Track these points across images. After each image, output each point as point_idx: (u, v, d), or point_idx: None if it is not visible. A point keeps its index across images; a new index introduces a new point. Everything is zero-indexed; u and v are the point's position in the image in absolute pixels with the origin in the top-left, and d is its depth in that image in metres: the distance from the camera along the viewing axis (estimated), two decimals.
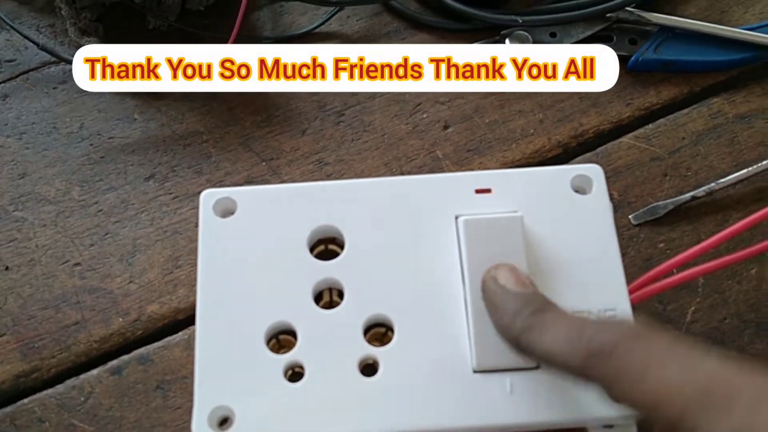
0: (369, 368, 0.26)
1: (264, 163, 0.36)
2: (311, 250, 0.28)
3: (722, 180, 0.35)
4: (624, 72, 0.39)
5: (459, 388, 0.26)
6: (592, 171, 0.29)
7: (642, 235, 0.35)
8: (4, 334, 0.33)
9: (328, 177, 0.36)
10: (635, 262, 0.34)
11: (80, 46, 0.38)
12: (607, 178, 0.30)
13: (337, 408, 0.25)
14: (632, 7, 0.38)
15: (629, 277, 0.28)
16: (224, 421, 0.25)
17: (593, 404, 0.25)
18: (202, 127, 0.37)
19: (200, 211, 0.28)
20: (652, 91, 0.38)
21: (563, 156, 0.37)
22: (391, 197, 0.29)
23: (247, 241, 0.28)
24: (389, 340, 0.27)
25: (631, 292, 0.28)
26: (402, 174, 0.36)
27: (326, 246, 0.29)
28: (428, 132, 0.37)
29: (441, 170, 0.36)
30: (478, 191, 0.29)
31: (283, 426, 0.25)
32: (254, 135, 0.37)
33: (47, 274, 0.34)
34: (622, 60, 0.38)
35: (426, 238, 0.28)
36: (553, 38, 0.38)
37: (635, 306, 0.28)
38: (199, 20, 0.40)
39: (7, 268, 0.34)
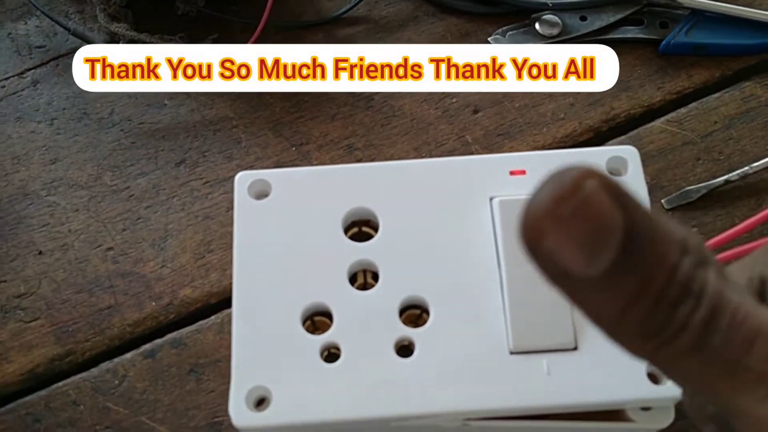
0: (404, 349, 0.26)
1: (294, 148, 0.36)
2: (345, 231, 0.28)
3: (756, 164, 0.35)
4: (655, 56, 0.38)
5: (495, 370, 0.26)
6: (628, 152, 0.28)
7: (675, 219, 0.35)
8: (38, 318, 0.33)
9: (358, 162, 0.36)
10: None
11: (110, 32, 0.38)
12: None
13: (373, 389, 0.25)
14: None
15: None
16: (261, 402, 0.25)
17: (632, 385, 0.25)
18: (231, 113, 0.37)
19: (235, 194, 0.28)
20: (683, 75, 0.38)
21: (594, 140, 0.37)
22: (425, 179, 0.28)
23: (281, 222, 0.28)
24: (424, 322, 0.27)
25: None
26: (432, 158, 0.36)
27: (360, 228, 0.29)
28: (458, 116, 0.37)
29: (471, 154, 0.36)
30: (512, 173, 0.28)
31: (320, 406, 0.25)
32: (284, 120, 0.37)
33: (80, 259, 0.34)
34: (653, 44, 0.38)
35: (460, 220, 0.28)
36: (584, 21, 0.38)
37: None
38: (227, 5, 0.40)
39: (40, 253, 0.34)
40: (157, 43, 0.38)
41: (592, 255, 0.14)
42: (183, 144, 0.37)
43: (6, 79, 0.38)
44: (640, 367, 0.25)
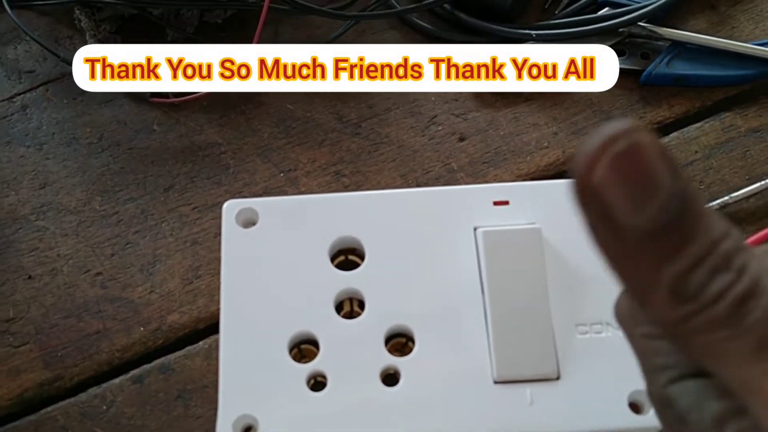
0: (390, 378, 0.27)
1: (282, 174, 0.37)
2: (332, 260, 0.29)
3: (735, 194, 0.36)
4: (637, 86, 0.39)
5: (479, 399, 0.26)
6: None
7: None
8: (27, 343, 0.33)
9: (346, 188, 0.36)
10: None
11: None
12: None
13: (359, 417, 0.26)
14: (644, 22, 0.39)
15: None
16: (248, 430, 0.26)
17: (614, 415, 0.26)
18: (220, 139, 0.38)
19: (223, 222, 0.29)
20: (664, 105, 0.39)
21: None
22: (411, 209, 0.29)
23: (268, 251, 0.28)
24: (410, 350, 0.27)
25: None
26: (418, 185, 0.36)
27: (346, 256, 0.29)
28: (443, 144, 0.38)
29: (456, 182, 0.36)
30: (496, 203, 0.29)
31: None
32: (272, 146, 0.38)
33: (69, 284, 0.34)
34: (635, 74, 0.39)
35: (445, 250, 0.28)
36: None
37: None
38: (216, 33, 0.40)
39: (29, 277, 0.34)
40: None
41: (639, 204, 0.14)
42: (172, 169, 0.37)
43: None
44: (622, 397, 0.26)
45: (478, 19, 0.39)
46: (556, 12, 0.41)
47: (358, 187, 0.36)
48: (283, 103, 0.39)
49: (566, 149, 0.37)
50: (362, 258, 0.29)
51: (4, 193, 0.36)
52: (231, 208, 0.29)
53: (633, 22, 0.39)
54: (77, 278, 0.34)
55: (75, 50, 0.39)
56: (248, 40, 0.37)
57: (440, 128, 0.38)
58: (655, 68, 0.39)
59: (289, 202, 0.30)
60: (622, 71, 0.39)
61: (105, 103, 0.39)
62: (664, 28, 0.39)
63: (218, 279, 0.33)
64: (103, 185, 0.37)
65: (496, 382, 0.26)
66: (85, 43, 0.39)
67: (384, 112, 0.38)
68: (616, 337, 0.27)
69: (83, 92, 0.39)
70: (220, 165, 0.37)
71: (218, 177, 0.37)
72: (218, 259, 0.33)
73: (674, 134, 0.38)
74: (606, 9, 0.40)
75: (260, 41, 0.37)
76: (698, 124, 0.38)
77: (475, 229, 0.28)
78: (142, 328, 0.33)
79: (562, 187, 0.29)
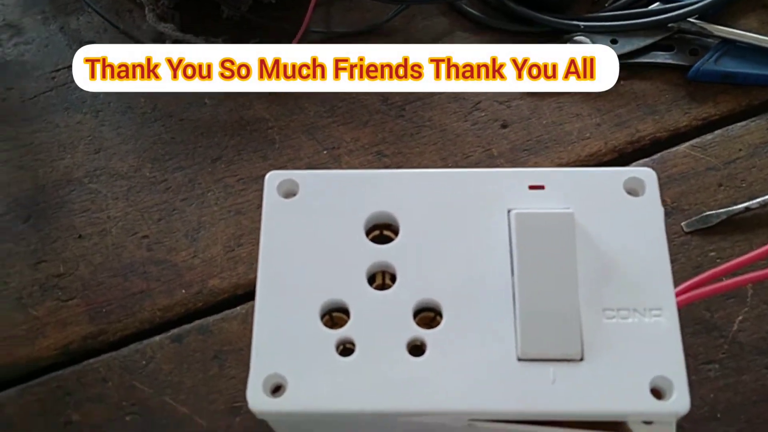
0: (416, 349, 0.27)
1: (325, 152, 0.38)
2: (367, 234, 0.29)
3: None
4: (683, 81, 0.39)
5: (503, 375, 0.27)
6: (645, 174, 0.29)
7: (693, 243, 0.35)
8: (74, 298, 0.35)
9: (386, 168, 0.37)
10: (685, 269, 0.35)
11: (157, 31, 0.40)
12: (662, 185, 0.31)
13: (384, 384, 0.26)
14: (694, 19, 0.39)
15: (678, 284, 0.29)
16: (277, 389, 0.27)
17: (635, 399, 0.26)
18: (268, 115, 0.39)
19: (264, 191, 0.30)
20: (710, 102, 0.39)
21: (619, 161, 0.37)
22: (447, 188, 0.30)
23: (307, 221, 0.29)
24: (437, 324, 0.28)
25: (677, 295, 0.28)
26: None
27: (381, 231, 0.30)
28: (485, 130, 0.38)
29: (495, 167, 0.37)
30: (531, 187, 0.29)
31: (333, 397, 0.26)
32: (317, 124, 0.39)
33: (117, 245, 0.36)
34: (683, 69, 0.39)
35: (478, 230, 0.29)
36: (614, 45, 0.39)
37: (681, 309, 0.28)
38: (269, 12, 0.41)
39: (80, 236, 0.36)
40: (200, 43, 0.39)
41: None
42: (220, 142, 0.38)
43: (57, 70, 0.40)
44: (644, 382, 0.26)
45: (527, 8, 0.40)
46: (606, 5, 0.41)
47: (398, 167, 0.37)
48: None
49: (608, 141, 0.38)
50: (396, 233, 0.29)
51: (61, 156, 0.38)
52: (273, 178, 0.30)
53: (683, 17, 0.39)
54: (125, 240, 0.36)
55: (134, 23, 0.41)
56: (299, 20, 0.38)
57: (483, 114, 0.39)
58: (702, 65, 0.38)
59: (329, 176, 0.30)
60: (669, 66, 0.39)
61: None
62: (714, 25, 0.39)
63: (258, 248, 0.34)
64: (154, 153, 0.38)
65: (519, 360, 0.27)
66: (144, 16, 0.41)
67: (428, 96, 0.39)
68: (641, 324, 0.27)
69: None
70: (266, 140, 0.38)
71: (264, 151, 0.38)
72: (259, 229, 0.34)
73: (719, 131, 0.38)
74: (657, 4, 0.40)
75: (311, 22, 0.38)
76: (743, 123, 0.38)
77: (509, 211, 0.29)
78: (183, 291, 0.35)
79: (597, 175, 0.30)
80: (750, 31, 0.39)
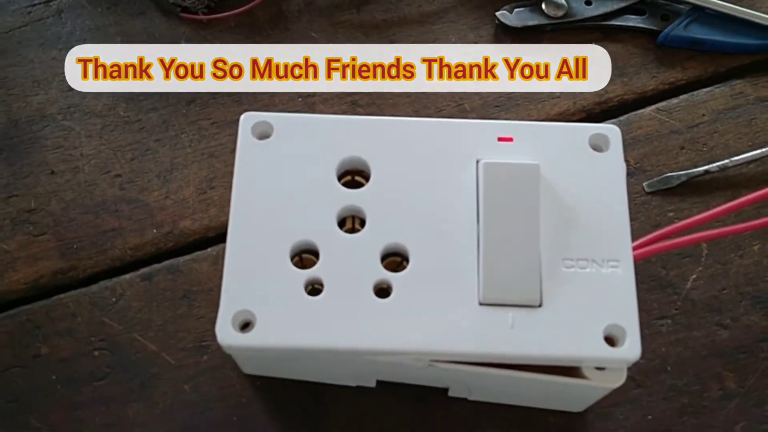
0: (383, 291, 0.28)
1: (300, 99, 0.38)
2: (339, 178, 0.30)
3: (736, 158, 0.37)
4: (653, 46, 0.40)
5: (464, 318, 0.28)
6: (610, 131, 0.30)
7: (653, 203, 0.36)
8: (45, 233, 0.35)
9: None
10: (644, 227, 0.36)
11: None
12: (626, 146, 0.32)
13: (350, 323, 0.27)
14: None
15: (636, 239, 0.30)
16: (246, 325, 0.28)
17: (589, 345, 0.27)
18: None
19: (239, 132, 0.30)
20: (678, 67, 0.40)
21: (586, 120, 0.38)
22: (419, 137, 0.30)
23: (280, 163, 0.30)
24: (403, 269, 0.29)
25: (635, 249, 0.30)
26: None
27: (353, 177, 0.30)
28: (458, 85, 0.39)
29: None
30: (500, 139, 0.30)
31: (300, 334, 0.27)
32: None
33: (89, 182, 0.36)
34: (653, 34, 0.40)
35: (447, 178, 0.30)
36: (588, 6, 0.40)
37: (637, 264, 0.29)
38: None
39: (52, 173, 0.36)
40: None
41: None
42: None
43: (33, 5, 0.40)
44: (598, 330, 0.27)
45: None
46: None
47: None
48: (308, 32, 0.40)
49: (576, 101, 0.39)
50: (368, 179, 0.30)
51: (34, 91, 0.38)
52: (248, 119, 0.30)
53: None
54: (97, 178, 0.36)
55: None
56: None
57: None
58: (672, 30, 0.39)
59: (303, 119, 0.31)
60: (640, 30, 0.40)
61: (137, 15, 0.40)
62: None
63: (230, 191, 0.35)
64: (128, 93, 0.38)
65: (481, 304, 0.28)
66: None
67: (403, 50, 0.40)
68: (599, 274, 0.28)
69: (117, 2, 0.40)
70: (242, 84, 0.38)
71: (239, 96, 0.38)
72: (232, 173, 0.35)
73: (684, 96, 0.39)
74: None
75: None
76: (708, 89, 0.39)
77: (477, 161, 0.30)
78: (154, 230, 0.35)
79: (564, 130, 0.31)
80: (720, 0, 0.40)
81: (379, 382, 0.32)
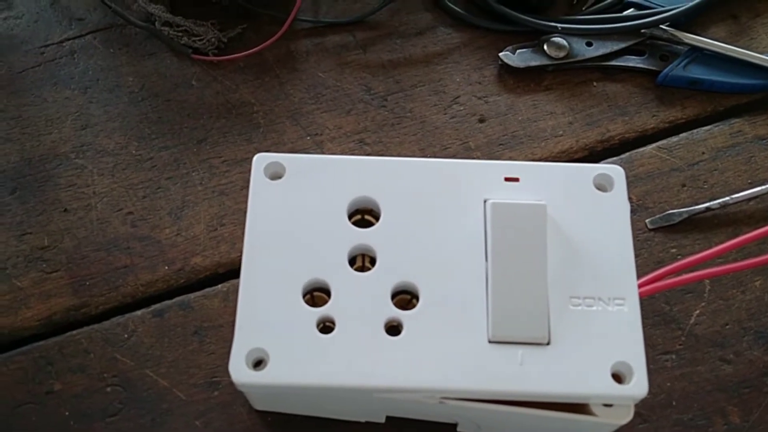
0: (393, 329, 0.29)
1: (309, 138, 0.39)
2: (349, 217, 0.31)
3: (736, 195, 0.38)
4: (653, 85, 0.41)
5: (474, 355, 0.28)
6: (614, 171, 0.31)
7: (656, 240, 0.37)
8: (58, 270, 0.36)
9: (367, 156, 0.38)
10: (648, 263, 0.36)
11: (147, 12, 0.41)
12: (628, 183, 0.32)
13: (361, 361, 0.28)
14: (666, 26, 0.41)
15: (640, 277, 0.30)
16: (259, 363, 0.28)
17: (597, 383, 0.28)
18: (253, 99, 0.40)
19: (252, 172, 0.31)
20: (677, 106, 0.40)
21: (588, 158, 0.39)
22: (427, 177, 0.31)
23: (291, 203, 0.30)
24: (413, 306, 0.29)
25: (640, 286, 0.30)
26: None
27: (363, 216, 0.31)
28: (463, 123, 0.40)
29: (472, 160, 0.38)
30: (507, 179, 0.31)
31: (313, 372, 0.28)
32: (302, 111, 0.40)
33: (102, 220, 0.37)
34: (652, 74, 0.41)
35: (456, 218, 0.30)
36: (589, 47, 0.41)
37: (642, 301, 0.30)
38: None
39: (65, 210, 0.37)
40: (190, 27, 0.40)
41: None
42: (206, 123, 0.39)
43: (46, 45, 0.41)
44: (606, 367, 0.28)
45: (507, 8, 0.41)
46: (583, 9, 0.43)
47: (378, 156, 0.38)
48: (316, 72, 0.41)
49: (579, 139, 0.39)
50: (378, 218, 0.31)
51: (48, 130, 0.39)
52: (260, 160, 0.31)
53: (655, 24, 0.40)
54: (110, 215, 0.37)
55: (125, 2, 0.41)
56: (289, 7, 0.39)
57: (462, 108, 0.40)
58: (672, 70, 0.40)
59: (314, 160, 0.32)
60: (640, 70, 0.41)
61: (148, 56, 0.41)
62: (685, 33, 0.41)
63: (241, 228, 0.35)
64: (140, 132, 0.39)
65: (490, 342, 0.28)
66: None
67: (410, 88, 0.41)
68: (605, 312, 0.29)
69: (128, 43, 0.41)
70: (251, 123, 0.39)
71: (249, 134, 0.39)
72: (242, 210, 0.35)
73: (684, 134, 0.40)
74: (631, 10, 0.42)
75: (299, 10, 0.39)
76: (708, 127, 0.40)
77: (485, 201, 0.30)
78: (166, 267, 0.36)
79: (570, 170, 0.31)
80: (718, 41, 0.41)
81: (388, 418, 0.33)
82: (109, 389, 0.33)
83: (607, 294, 0.29)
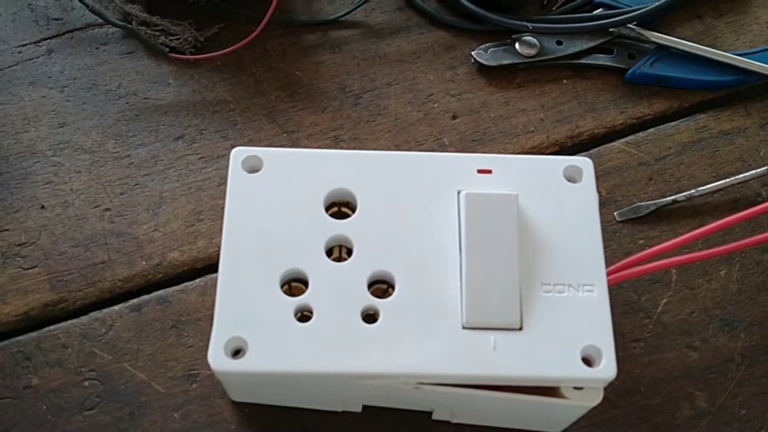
0: (370, 317, 0.29)
1: (285, 134, 0.39)
2: (326, 209, 0.31)
3: (701, 188, 0.39)
4: (621, 83, 0.42)
5: (448, 341, 0.29)
6: (583, 163, 0.32)
7: (624, 231, 0.38)
8: (35, 266, 0.36)
9: None
10: (616, 254, 0.37)
11: (124, 12, 0.41)
12: (597, 178, 0.33)
13: (338, 348, 0.28)
14: (634, 25, 0.42)
15: (609, 266, 0.31)
16: (237, 352, 0.28)
17: (568, 366, 0.28)
18: (230, 97, 0.40)
19: (230, 165, 0.31)
20: (645, 103, 0.42)
21: (559, 153, 0.40)
22: (402, 169, 0.32)
23: (269, 196, 0.31)
24: (389, 295, 0.30)
25: (608, 274, 0.31)
26: None
27: (340, 208, 0.32)
28: (437, 120, 0.41)
29: None
30: (479, 171, 0.32)
31: (290, 359, 0.28)
32: (278, 108, 0.40)
33: (79, 216, 0.37)
34: (620, 72, 0.42)
35: (430, 208, 0.31)
36: (559, 46, 0.42)
37: (611, 289, 0.31)
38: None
39: (42, 207, 0.37)
40: (167, 26, 0.41)
41: None
42: (183, 121, 0.40)
43: (23, 45, 0.41)
44: (576, 351, 0.29)
45: (479, 8, 0.42)
46: (554, 9, 0.44)
47: None
48: (292, 70, 0.41)
49: (550, 135, 0.40)
50: (354, 210, 0.31)
51: (25, 128, 0.39)
52: (238, 154, 0.32)
53: (623, 23, 0.42)
54: (87, 212, 0.37)
55: (101, 3, 0.42)
56: (265, 7, 0.40)
57: (435, 105, 0.41)
58: (639, 68, 0.41)
59: (291, 154, 0.32)
60: (609, 68, 0.42)
61: (126, 55, 0.41)
62: (652, 32, 0.42)
63: (218, 224, 0.36)
64: (117, 129, 0.39)
65: (464, 328, 0.29)
66: None
67: (384, 86, 0.41)
68: (575, 298, 0.29)
69: (106, 42, 0.41)
70: (228, 121, 0.40)
71: (225, 131, 0.39)
72: (220, 206, 0.36)
73: (651, 130, 0.41)
74: (600, 9, 0.43)
75: (275, 10, 0.40)
76: (674, 123, 0.41)
77: (458, 192, 0.31)
78: (144, 262, 0.36)
79: (540, 162, 0.32)
80: (683, 39, 0.42)
81: (364, 407, 0.33)
82: (86, 383, 0.34)
83: (577, 280, 0.30)
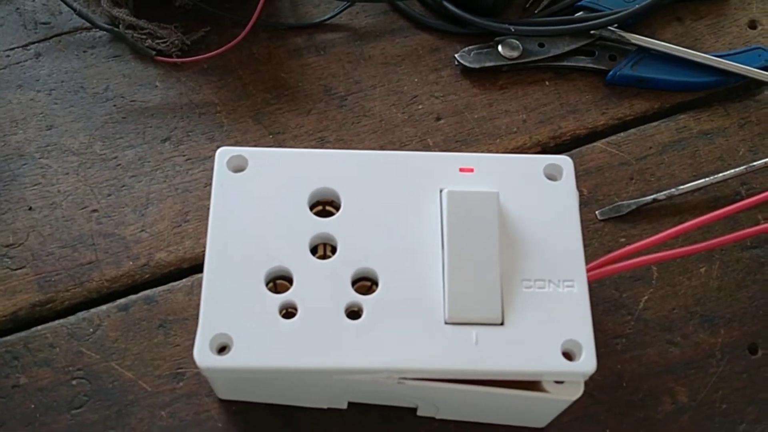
0: (354, 314, 0.30)
1: (271, 136, 0.40)
2: (311, 208, 0.32)
3: (682, 187, 0.39)
4: (602, 84, 0.43)
5: (431, 336, 0.29)
6: (563, 161, 0.33)
7: (606, 230, 0.39)
8: (23, 267, 0.36)
9: None
10: (598, 252, 0.38)
11: (111, 15, 0.41)
12: (579, 177, 0.34)
13: (323, 344, 0.29)
14: (615, 27, 0.43)
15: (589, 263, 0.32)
16: (223, 348, 0.29)
17: (549, 360, 0.29)
18: (216, 99, 0.41)
19: (215, 165, 0.32)
20: (626, 104, 0.42)
21: (541, 154, 0.41)
22: (386, 168, 0.32)
23: (254, 195, 0.31)
24: (373, 292, 0.30)
25: (589, 270, 0.32)
26: None
27: (324, 206, 0.32)
28: (421, 122, 0.41)
29: None
30: (461, 170, 0.32)
31: (275, 355, 0.29)
32: (264, 110, 0.41)
33: (67, 217, 0.37)
34: (602, 73, 0.43)
35: (413, 206, 0.32)
36: (541, 48, 0.42)
37: (592, 286, 0.31)
38: (221, 2, 0.43)
39: (30, 209, 0.37)
40: (153, 30, 0.41)
41: None
42: (170, 123, 0.40)
43: (11, 49, 0.42)
44: (556, 345, 0.29)
45: (462, 11, 0.43)
46: (536, 12, 0.44)
47: None
48: (278, 73, 0.42)
49: (532, 135, 0.41)
50: (338, 209, 0.32)
51: (13, 131, 0.39)
52: (223, 153, 0.32)
53: (604, 25, 0.42)
54: (75, 213, 0.37)
55: (89, 7, 0.42)
56: (251, 10, 0.40)
57: (420, 107, 0.41)
58: (620, 69, 0.42)
59: (276, 154, 0.33)
60: (590, 70, 0.43)
61: (113, 58, 0.42)
62: (633, 34, 0.43)
63: (204, 224, 0.36)
64: (105, 132, 0.40)
65: (446, 323, 0.29)
66: (99, 1, 0.42)
67: (369, 89, 0.42)
68: (555, 293, 0.30)
69: (93, 46, 0.42)
70: (214, 123, 0.40)
71: (212, 133, 0.40)
72: (206, 207, 0.36)
73: (632, 130, 0.42)
74: (581, 12, 0.44)
75: (261, 14, 0.40)
76: (655, 123, 0.42)
77: (441, 190, 0.32)
78: (131, 263, 0.36)
79: (521, 161, 0.33)
80: (664, 41, 0.43)
81: (350, 403, 0.33)
82: (74, 382, 0.34)
83: (558, 276, 0.31)
